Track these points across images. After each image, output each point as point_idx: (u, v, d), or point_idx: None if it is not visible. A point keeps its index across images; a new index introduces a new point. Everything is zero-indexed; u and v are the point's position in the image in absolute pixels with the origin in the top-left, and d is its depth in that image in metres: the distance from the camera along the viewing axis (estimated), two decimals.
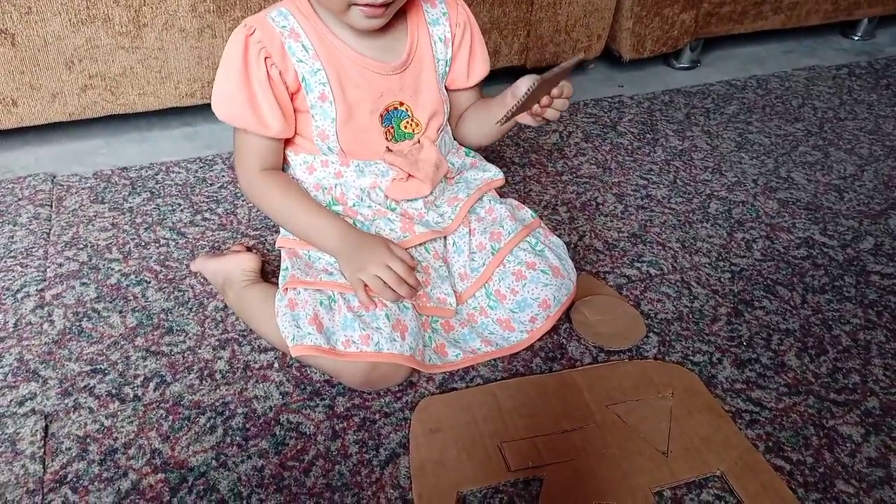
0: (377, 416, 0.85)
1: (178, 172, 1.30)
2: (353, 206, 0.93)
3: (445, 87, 0.98)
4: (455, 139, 1.03)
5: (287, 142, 0.92)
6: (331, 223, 0.88)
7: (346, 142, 0.89)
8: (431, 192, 0.94)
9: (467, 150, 1.04)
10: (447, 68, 0.96)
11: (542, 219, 1.02)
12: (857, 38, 1.98)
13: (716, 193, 1.31)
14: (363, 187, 0.93)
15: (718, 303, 1.06)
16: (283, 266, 0.92)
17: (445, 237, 0.96)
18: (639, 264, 1.13)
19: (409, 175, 0.92)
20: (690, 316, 1.03)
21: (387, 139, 0.91)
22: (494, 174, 1.01)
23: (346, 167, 0.91)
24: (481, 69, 0.99)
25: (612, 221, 1.23)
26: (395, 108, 0.91)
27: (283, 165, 0.95)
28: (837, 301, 1.08)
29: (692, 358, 0.96)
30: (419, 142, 0.93)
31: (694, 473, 0.79)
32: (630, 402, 0.87)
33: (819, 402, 0.90)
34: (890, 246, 1.21)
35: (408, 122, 0.92)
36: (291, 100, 0.88)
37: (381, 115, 0.90)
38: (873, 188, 1.35)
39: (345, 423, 0.83)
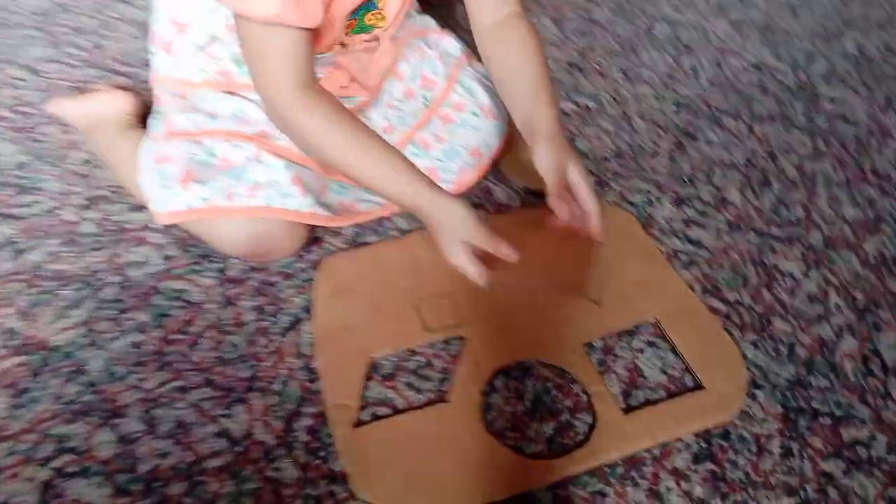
0: (276, 279, 0.74)
1: None
2: None
3: None
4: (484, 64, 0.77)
5: None
6: (401, 182, 0.65)
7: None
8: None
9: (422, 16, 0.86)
10: None
11: (469, 47, 0.87)
12: None
13: (664, 15, 1.17)
14: None
15: (660, 137, 0.97)
16: (154, 107, 0.75)
17: None
18: (576, 97, 1.01)
19: (353, 79, 0.75)
20: (630, 152, 0.94)
21: (345, 32, 0.71)
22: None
23: None
24: None
25: (547, 49, 1.07)
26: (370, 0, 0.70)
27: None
28: (786, 129, 1.00)
29: (630, 198, 0.87)
30: (377, 38, 0.74)
31: (627, 322, 0.73)
32: (561, 248, 0.79)
33: (760, 239, 0.84)
34: (843, 69, 1.12)
35: (373, 15, 0.72)
36: None
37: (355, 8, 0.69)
38: (831, 7, 1.23)
39: (239, 288, 0.73)
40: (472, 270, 0.64)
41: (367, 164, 0.65)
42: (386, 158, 0.65)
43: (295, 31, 0.61)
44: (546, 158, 0.66)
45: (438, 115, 0.80)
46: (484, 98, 0.82)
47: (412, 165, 0.66)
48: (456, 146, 0.80)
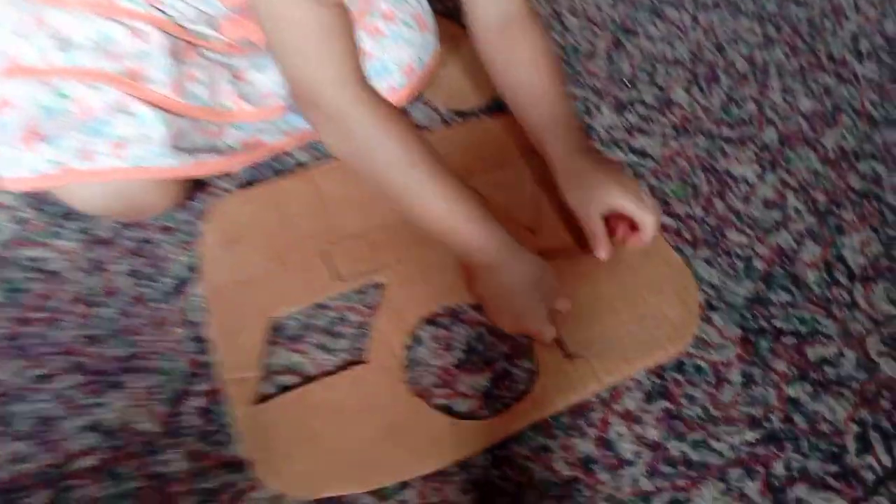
0: (155, 235, 0.63)
1: None
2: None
3: None
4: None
5: None
6: (473, 218, 0.56)
7: None
8: None
9: None
10: None
11: None
12: None
13: None
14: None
15: (595, 35, 0.86)
16: None
17: None
18: None
19: None
20: (562, 55, 0.83)
21: None
22: None
23: None
24: None
25: None
26: None
27: None
28: (732, 17, 0.90)
29: None
30: None
31: (564, 249, 0.64)
32: (490, 172, 0.69)
33: (710, 142, 0.75)
34: None
35: None
36: None
37: None
38: None
39: (109, 251, 0.61)
40: (551, 337, 0.56)
41: (432, 190, 0.55)
42: (455, 185, 0.56)
43: (339, 9, 0.51)
44: (577, 197, 0.60)
45: (365, 29, 0.68)
46: (416, 6, 0.71)
47: (484, 203, 0.57)
48: (387, 62, 0.69)
